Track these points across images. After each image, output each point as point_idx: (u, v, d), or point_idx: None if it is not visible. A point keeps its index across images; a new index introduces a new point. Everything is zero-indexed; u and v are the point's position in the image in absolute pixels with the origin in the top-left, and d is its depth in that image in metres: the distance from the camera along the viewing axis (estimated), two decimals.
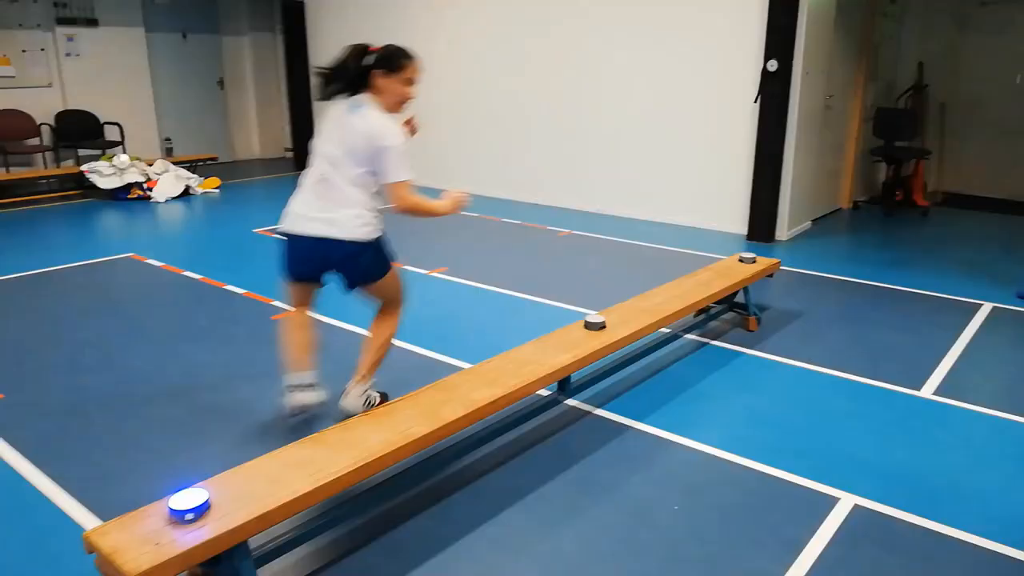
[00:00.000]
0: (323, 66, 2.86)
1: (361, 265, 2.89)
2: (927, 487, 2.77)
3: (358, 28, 9.13)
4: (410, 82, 2.87)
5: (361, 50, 2.80)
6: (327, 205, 2.82)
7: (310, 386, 3.06)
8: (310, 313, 3.15)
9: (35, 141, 8.60)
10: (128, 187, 8.01)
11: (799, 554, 2.37)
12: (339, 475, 2.15)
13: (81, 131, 8.89)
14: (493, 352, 3.11)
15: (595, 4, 7.14)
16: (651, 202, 7.21)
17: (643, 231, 6.76)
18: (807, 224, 7.02)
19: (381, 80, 2.80)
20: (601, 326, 3.31)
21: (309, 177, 2.88)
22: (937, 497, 2.70)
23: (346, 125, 2.80)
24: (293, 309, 3.14)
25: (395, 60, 2.81)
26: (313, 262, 2.92)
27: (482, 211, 7.57)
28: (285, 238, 2.94)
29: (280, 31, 10.62)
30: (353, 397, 3.03)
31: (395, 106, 2.86)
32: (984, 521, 2.55)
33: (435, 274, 5.41)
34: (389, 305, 3.08)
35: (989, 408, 3.41)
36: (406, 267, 5.57)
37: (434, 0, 8.36)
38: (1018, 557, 2.37)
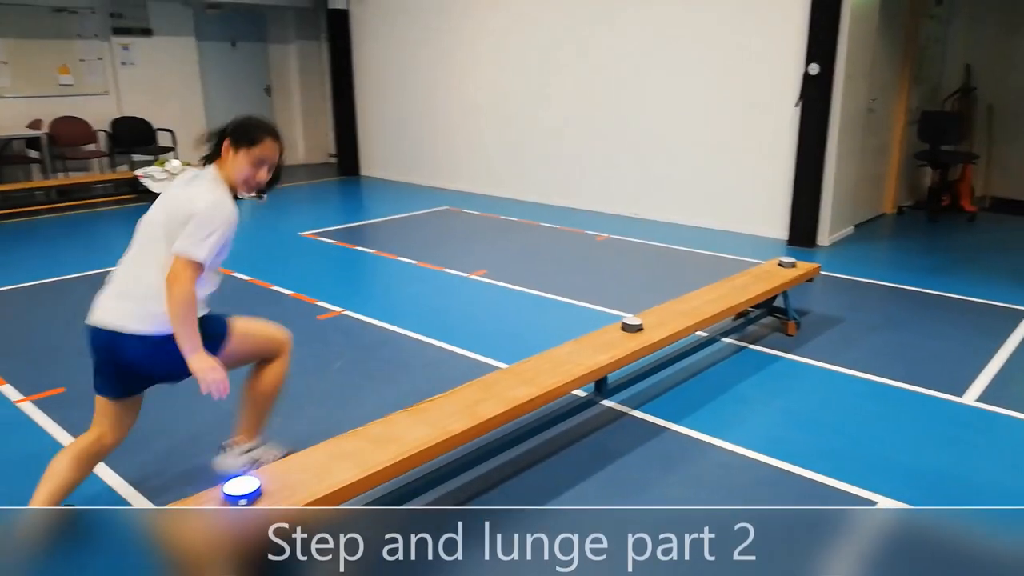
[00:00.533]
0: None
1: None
2: (967, 494, 2.75)
3: (403, 36, 9.31)
4: (260, 162, 2.42)
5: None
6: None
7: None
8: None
9: (92, 147, 8.94)
10: None
11: None
12: (382, 467, 2.25)
13: (135, 137, 9.22)
14: (531, 353, 3.17)
15: (636, 7, 7.17)
16: (692, 206, 7.20)
17: (683, 236, 6.77)
18: (850, 229, 6.95)
19: (227, 152, 2.40)
20: (638, 328, 3.35)
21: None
22: (976, 503, 2.68)
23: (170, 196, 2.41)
24: None
25: (249, 132, 2.40)
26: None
27: (521, 215, 7.65)
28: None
29: (325, 39, 10.85)
30: (232, 457, 2.69)
31: (241, 186, 2.43)
32: None
33: (475, 277, 5.50)
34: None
35: None
36: (446, 269, 5.68)
37: (476, 7, 8.48)
38: None
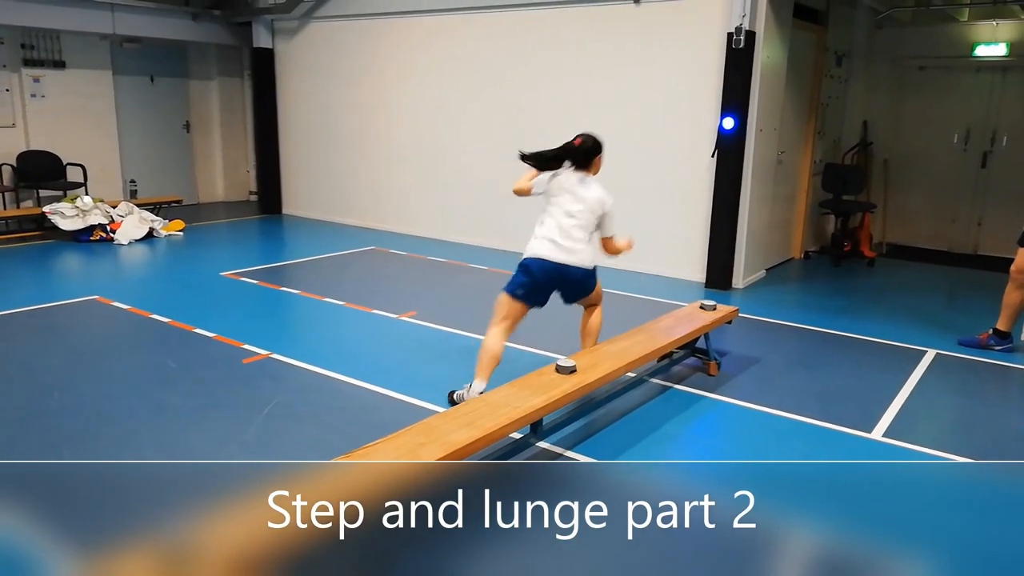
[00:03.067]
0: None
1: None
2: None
3: (328, 75, 9.33)
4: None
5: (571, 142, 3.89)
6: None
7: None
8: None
9: None
10: (90, 229, 7.96)
11: None
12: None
13: (43, 172, 8.82)
14: None
15: (561, 60, 7.45)
16: None
17: (607, 278, 6.93)
18: (762, 273, 7.32)
19: (599, 163, 3.94)
20: (572, 370, 3.44)
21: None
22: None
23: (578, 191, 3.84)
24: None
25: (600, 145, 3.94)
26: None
27: (448, 256, 7.71)
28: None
29: (249, 76, 10.75)
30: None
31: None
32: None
33: (404, 318, 5.50)
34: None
35: (934, 449, 3.62)
36: (374, 311, 5.65)
37: (401, 48, 8.60)
38: None
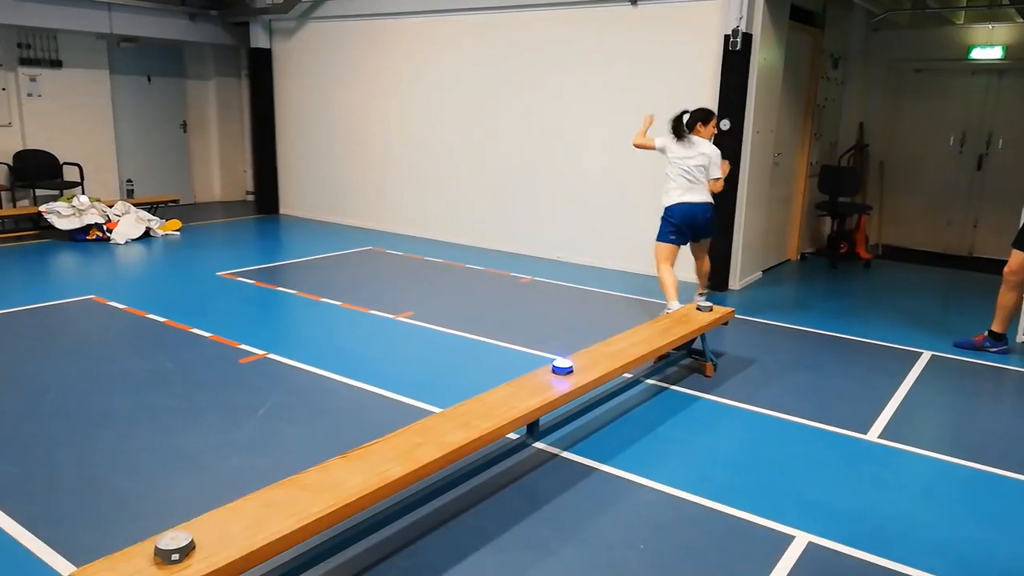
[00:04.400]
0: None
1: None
2: (876, 525, 2.94)
3: (325, 75, 9.32)
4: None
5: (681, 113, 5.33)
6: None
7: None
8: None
9: None
10: (87, 228, 7.95)
11: None
12: (320, 516, 2.22)
13: (39, 171, 8.81)
14: (461, 396, 3.21)
15: (556, 62, 7.45)
16: (611, 251, 7.44)
17: (604, 279, 6.98)
18: (758, 274, 7.33)
19: (701, 128, 5.37)
20: (568, 371, 3.44)
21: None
22: (885, 534, 2.87)
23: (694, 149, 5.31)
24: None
25: (710, 115, 5.41)
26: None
27: (445, 256, 7.71)
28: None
29: (246, 76, 10.74)
30: (700, 301, 5.09)
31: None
32: (928, 556, 2.73)
33: (401, 319, 5.50)
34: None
35: (930, 451, 3.62)
36: (371, 311, 5.66)
37: (399, 48, 8.61)
38: None
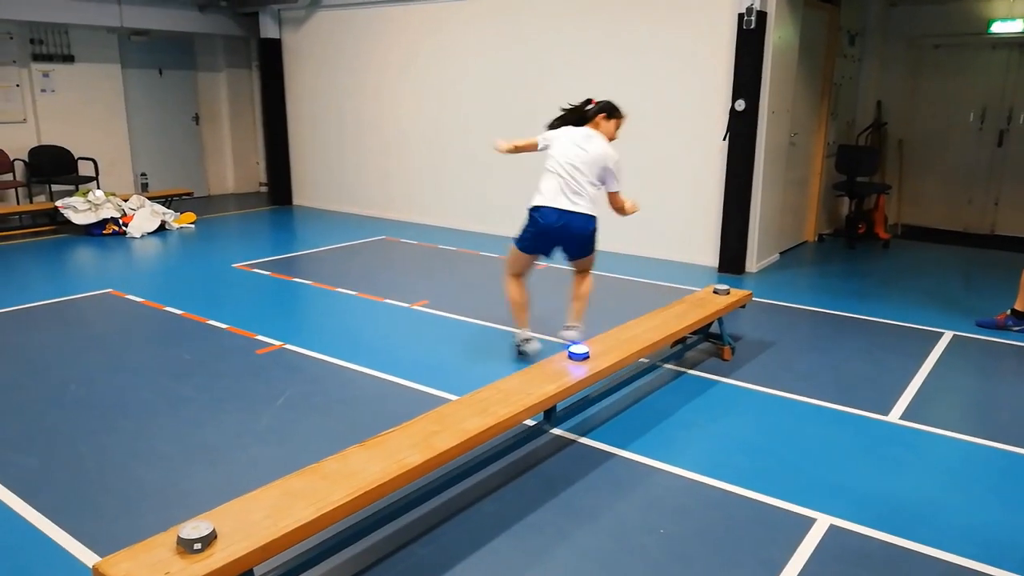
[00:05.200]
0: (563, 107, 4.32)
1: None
2: (897, 506, 2.91)
3: (336, 65, 9.30)
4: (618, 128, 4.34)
5: (587, 101, 4.28)
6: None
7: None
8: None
9: (7, 177, 8.56)
10: (103, 223, 8.00)
11: (779, 573, 2.48)
12: (339, 504, 2.22)
13: (54, 166, 8.88)
14: (478, 384, 3.20)
15: (569, 45, 7.39)
16: (626, 236, 7.38)
17: (619, 264, 6.93)
18: (775, 256, 7.26)
19: (603, 121, 4.25)
20: (584, 356, 3.42)
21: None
22: (907, 516, 2.84)
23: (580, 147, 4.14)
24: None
25: (616, 110, 4.29)
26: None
27: (459, 244, 7.70)
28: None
29: (257, 67, 10.74)
30: (571, 332, 4.31)
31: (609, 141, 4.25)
32: (951, 538, 2.69)
33: (417, 307, 5.49)
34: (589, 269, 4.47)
35: (952, 431, 3.58)
36: (387, 300, 5.66)
37: (409, 37, 8.56)
38: (984, 571, 2.51)
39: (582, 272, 4.42)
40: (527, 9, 7.61)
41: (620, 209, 4.33)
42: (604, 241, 7.76)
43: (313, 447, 3.23)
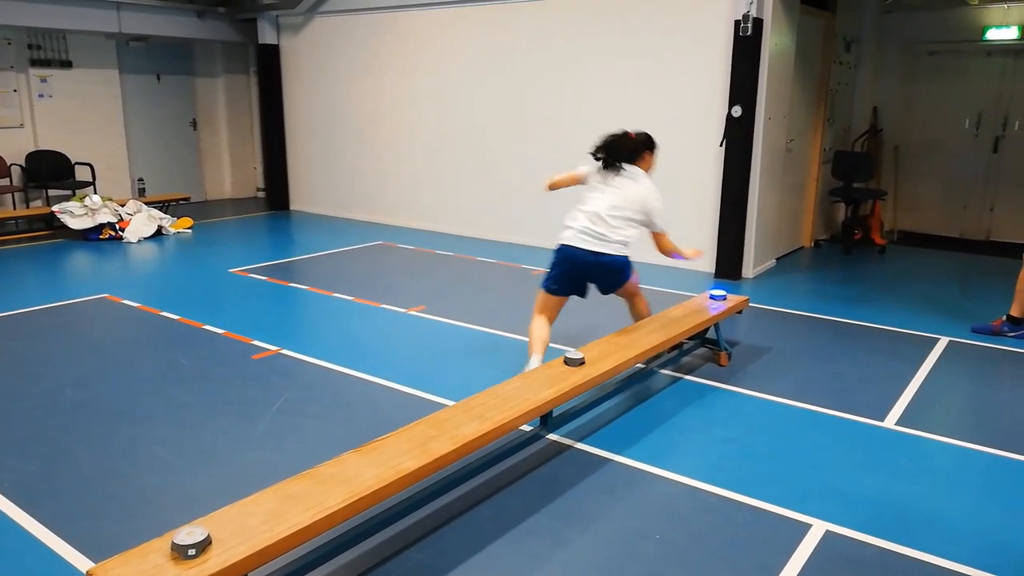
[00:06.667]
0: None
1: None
2: (893, 512, 2.91)
3: (334, 70, 9.32)
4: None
5: (624, 133, 3.96)
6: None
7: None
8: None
9: (4, 182, 8.56)
10: (100, 227, 7.99)
11: None
12: (335, 509, 2.22)
13: (52, 171, 8.87)
14: (474, 389, 3.20)
15: (566, 53, 7.41)
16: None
17: None
18: (771, 262, 7.27)
19: (648, 157, 4.04)
20: (580, 362, 3.42)
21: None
22: (904, 522, 2.84)
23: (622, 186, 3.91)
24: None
25: (653, 143, 4.08)
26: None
27: (456, 250, 7.70)
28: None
29: (254, 73, 10.76)
30: None
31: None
32: (947, 543, 2.69)
33: (413, 312, 5.49)
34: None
35: (948, 437, 3.58)
36: (383, 306, 5.66)
37: (407, 42, 8.58)
38: None
39: (629, 297, 4.20)
40: (525, 17, 7.64)
41: (668, 252, 4.10)
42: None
43: (309, 452, 3.23)
